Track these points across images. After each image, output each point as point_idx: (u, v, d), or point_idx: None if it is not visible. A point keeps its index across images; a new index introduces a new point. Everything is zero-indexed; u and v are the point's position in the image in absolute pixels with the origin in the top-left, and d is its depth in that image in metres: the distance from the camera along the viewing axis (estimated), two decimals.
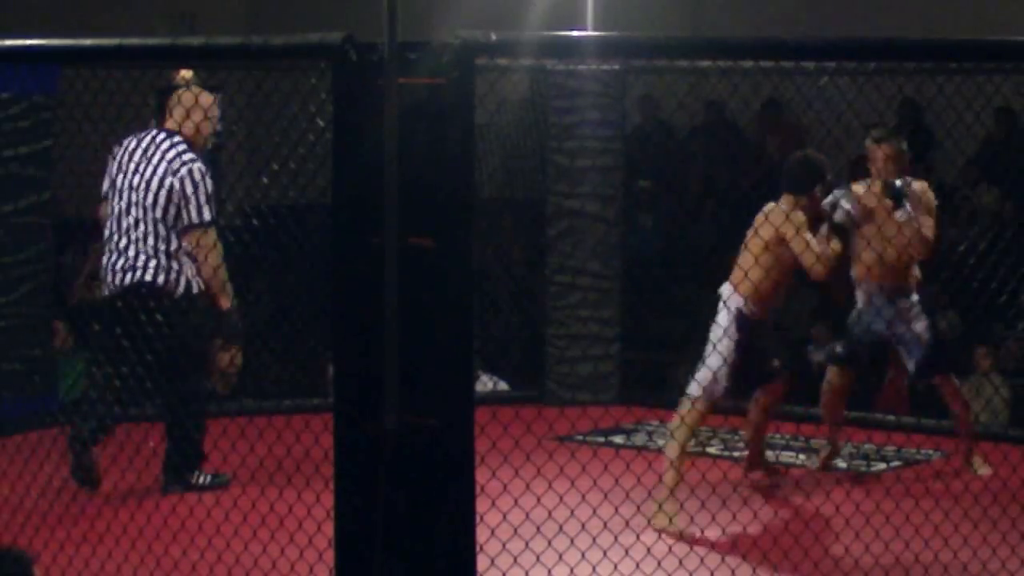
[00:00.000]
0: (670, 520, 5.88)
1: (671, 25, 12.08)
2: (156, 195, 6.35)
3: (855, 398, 7.45)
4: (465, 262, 4.11)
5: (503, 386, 8.76)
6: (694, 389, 6.15)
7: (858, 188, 6.69)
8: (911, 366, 6.75)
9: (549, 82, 8.35)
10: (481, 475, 4.24)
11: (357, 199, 4.09)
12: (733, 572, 5.30)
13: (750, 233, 6.21)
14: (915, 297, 6.71)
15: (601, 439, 7.39)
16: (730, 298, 6.19)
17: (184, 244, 6.36)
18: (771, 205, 6.24)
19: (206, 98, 6.50)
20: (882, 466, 6.96)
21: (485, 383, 8.58)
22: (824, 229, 6.44)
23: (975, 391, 8.77)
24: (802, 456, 7.13)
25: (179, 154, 6.41)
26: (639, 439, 7.46)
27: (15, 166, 7.38)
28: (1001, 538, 5.56)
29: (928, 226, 6.59)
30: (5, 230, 7.39)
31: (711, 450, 7.13)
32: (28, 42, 4.47)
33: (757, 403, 6.54)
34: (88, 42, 4.44)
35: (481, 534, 4.27)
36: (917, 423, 7.73)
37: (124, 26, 12.51)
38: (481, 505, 4.23)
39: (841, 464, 6.99)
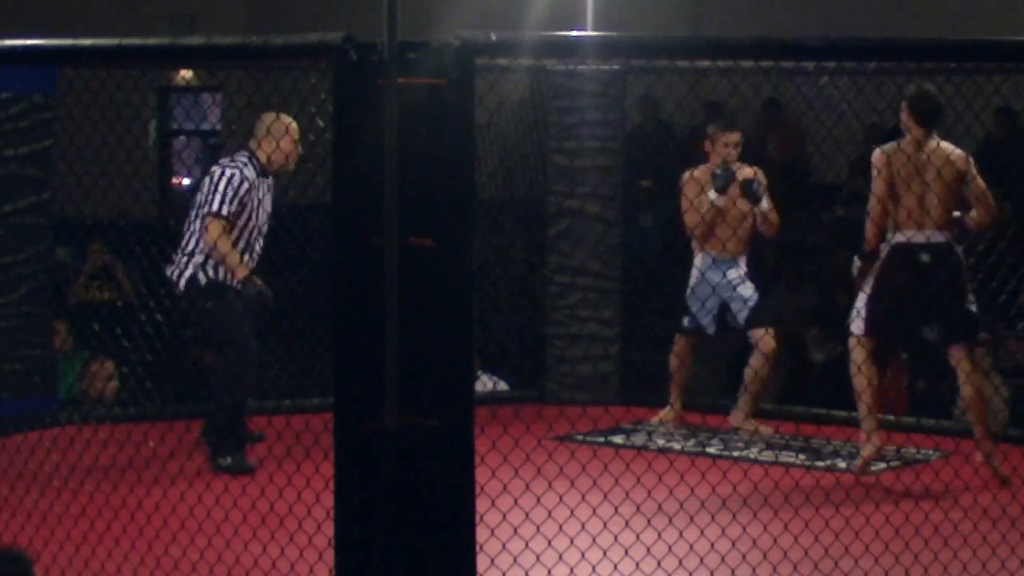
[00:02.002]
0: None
1: (671, 25, 12.08)
2: (196, 199, 6.87)
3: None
4: (465, 262, 4.11)
5: (503, 386, 8.76)
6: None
7: (696, 173, 7.53)
8: (742, 319, 7.52)
9: (549, 82, 8.35)
10: (481, 475, 4.24)
11: (357, 199, 4.09)
12: (733, 572, 5.30)
13: (941, 174, 6.48)
14: (743, 268, 7.56)
15: (601, 439, 7.39)
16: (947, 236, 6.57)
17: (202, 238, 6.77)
18: (910, 146, 6.53)
19: (278, 124, 6.82)
20: (882, 466, 6.96)
21: (485, 383, 8.58)
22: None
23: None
24: (802, 456, 7.14)
25: (227, 163, 6.84)
26: (639, 439, 7.46)
27: (15, 166, 7.38)
28: (1001, 538, 5.56)
29: (772, 206, 7.49)
30: (5, 230, 7.38)
31: (711, 450, 7.13)
32: (28, 42, 4.47)
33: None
34: (88, 42, 4.44)
35: (481, 534, 4.27)
36: (917, 423, 7.73)
37: (124, 26, 12.52)
38: (481, 505, 4.23)
39: (841, 464, 6.99)
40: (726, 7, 12.33)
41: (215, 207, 6.73)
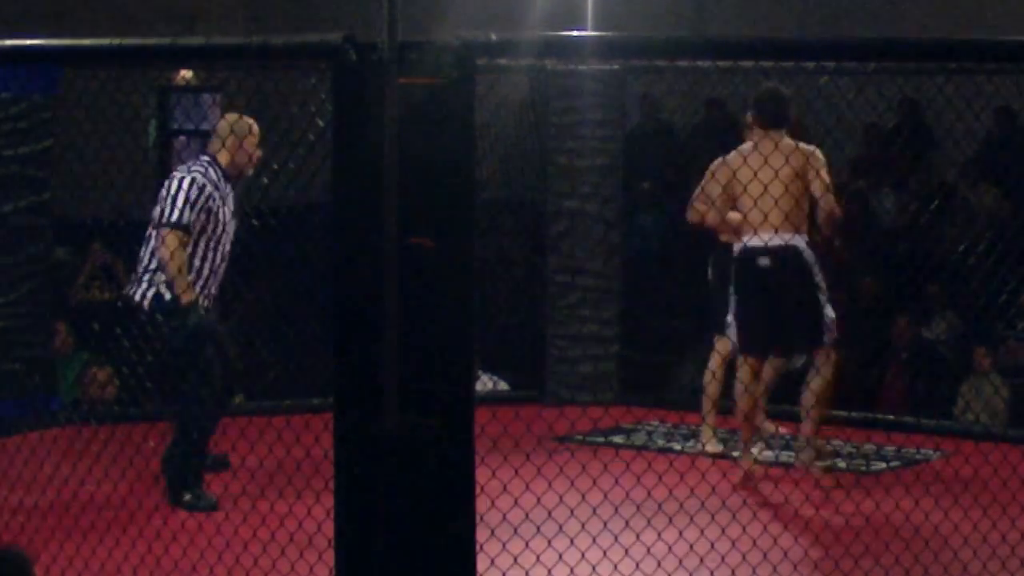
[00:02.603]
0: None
1: (671, 25, 12.08)
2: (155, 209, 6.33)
3: (854, 399, 7.46)
4: (465, 262, 4.11)
5: (503, 386, 8.76)
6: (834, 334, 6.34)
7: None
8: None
9: (549, 82, 8.35)
10: (481, 475, 4.24)
11: (357, 199, 4.09)
12: (733, 572, 5.30)
13: (778, 175, 6.10)
14: None
15: (601, 439, 7.39)
16: (798, 240, 6.25)
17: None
18: (767, 146, 6.19)
19: (240, 125, 6.41)
20: (882, 466, 6.96)
21: (485, 383, 8.58)
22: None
23: (975, 391, 8.77)
24: (802, 456, 7.13)
25: (186, 169, 6.37)
26: (639, 439, 7.46)
27: (15, 166, 7.38)
28: (1001, 538, 5.56)
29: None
30: (5, 230, 7.39)
31: (711, 450, 7.13)
32: (28, 42, 4.47)
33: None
34: (88, 42, 4.44)
35: (481, 534, 4.27)
36: (917, 423, 7.73)
37: (124, 26, 12.51)
38: (481, 505, 4.23)
39: (841, 464, 6.99)
40: (726, 7, 12.33)
41: (173, 216, 6.19)
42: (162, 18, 14.15)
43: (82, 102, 6.18)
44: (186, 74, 6.69)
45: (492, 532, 4.89)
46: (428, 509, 4.08)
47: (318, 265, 8.18)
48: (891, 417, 8.01)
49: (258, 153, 6.50)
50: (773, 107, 6.31)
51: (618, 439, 7.40)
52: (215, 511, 6.04)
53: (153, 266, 6.27)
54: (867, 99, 8.19)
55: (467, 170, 4.12)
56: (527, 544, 5.16)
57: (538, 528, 5.39)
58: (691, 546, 5.44)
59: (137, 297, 6.30)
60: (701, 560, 5.34)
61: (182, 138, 6.76)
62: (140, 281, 6.31)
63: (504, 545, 4.99)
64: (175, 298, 6.17)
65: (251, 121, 6.45)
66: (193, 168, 6.33)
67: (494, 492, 4.85)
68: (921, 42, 4.76)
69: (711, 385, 7.12)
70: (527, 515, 5.32)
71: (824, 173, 6.27)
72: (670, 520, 5.66)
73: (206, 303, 6.31)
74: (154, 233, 6.27)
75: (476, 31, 4.06)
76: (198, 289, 6.25)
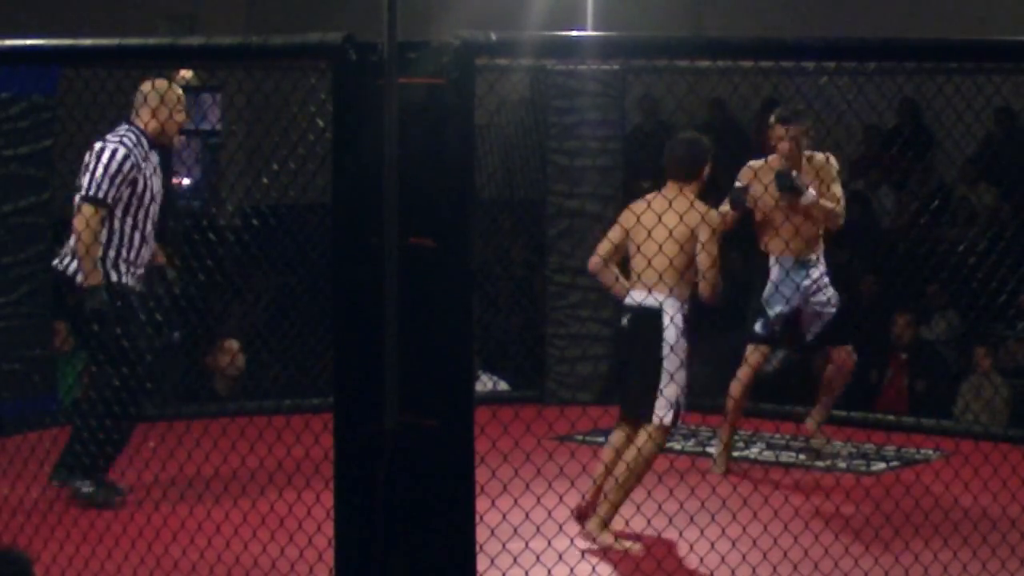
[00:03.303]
0: (615, 539, 5.71)
1: (671, 25, 12.08)
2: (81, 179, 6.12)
3: (854, 399, 7.46)
4: (465, 262, 4.11)
5: (503, 386, 8.77)
6: (664, 421, 5.78)
7: (754, 167, 6.76)
8: (810, 335, 6.90)
9: (549, 82, 8.35)
10: (481, 475, 4.24)
11: (357, 199, 4.09)
12: (733, 572, 5.30)
13: (651, 230, 5.64)
14: (819, 270, 6.84)
15: (601, 439, 7.38)
16: (672, 308, 5.75)
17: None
18: (660, 203, 5.78)
19: (170, 94, 6.18)
20: (882, 466, 6.97)
21: (485, 383, 8.58)
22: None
23: (975, 391, 8.77)
24: (802, 456, 7.14)
25: (110, 137, 6.13)
26: None
27: (15, 166, 7.38)
28: (1001, 538, 5.56)
29: (832, 199, 6.75)
30: (5, 230, 7.39)
31: (711, 450, 7.13)
32: (28, 42, 4.47)
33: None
34: (88, 42, 4.43)
35: (481, 534, 4.27)
36: (917, 423, 7.74)
37: (124, 26, 12.52)
38: (481, 505, 4.23)
39: (841, 464, 6.99)
40: (726, 7, 12.33)
41: (91, 190, 5.96)
42: (162, 18, 14.16)
43: (82, 102, 6.17)
44: (186, 74, 6.68)
45: (492, 532, 4.89)
46: (428, 509, 4.08)
47: (318, 265, 8.18)
48: (891, 417, 8.01)
49: (184, 118, 6.27)
50: (680, 157, 5.89)
51: None
52: (112, 507, 5.99)
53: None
54: (867, 99, 8.18)
55: (467, 170, 4.12)
56: (527, 544, 5.16)
57: (538, 528, 5.39)
58: (691, 546, 5.44)
59: (70, 271, 6.08)
60: (701, 560, 5.34)
61: (182, 138, 6.74)
62: (68, 255, 6.11)
63: (504, 545, 4.99)
64: (111, 282, 5.99)
65: (168, 84, 6.24)
66: (115, 139, 6.09)
67: (494, 492, 4.85)
68: (921, 42, 4.75)
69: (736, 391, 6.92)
70: (527, 515, 5.32)
71: (712, 245, 5.80)
72: (670, 520, 5.66)
73: (134, 279, 6.11)
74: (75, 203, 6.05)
75: (476, 31, 4.06)
76: (125, 265, 6.05)
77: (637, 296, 5.78)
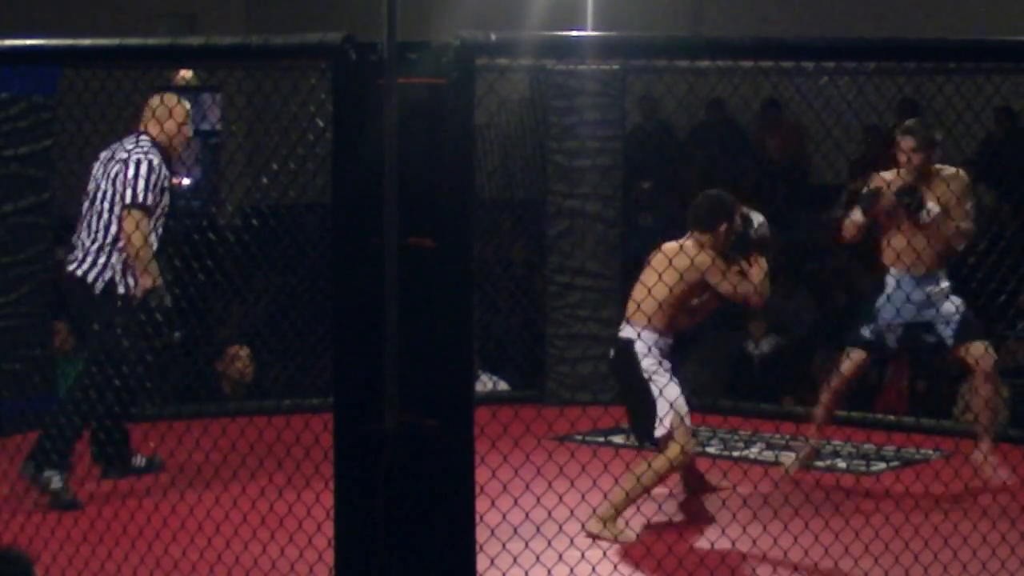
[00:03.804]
0: (615, 537, 5.79)
1: (671, 25, 12.08)
2: (104, 187, 6.39)
3: (855, 398, 7.46)
4: (465, 262, 4.11)
5: (503, 386, 8.77)
6: (673, 436, 5.90)
7: (885, 178, 6.64)
8: (949, 339, 6.71)
9: (549, 82, 8.35)
10: (481, 475, 4.24)
11: (357, 199, 4.09)
12: (733, 572, 5.30)
13: (652, 269, 5.97)
14: (944, 283, 6.69)
15: (601, 439, 7.39)
16: (643, 337, 5.96)
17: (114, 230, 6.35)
18: (673, 245, 6.06)
19: (179, 108, 6.55)
20: (882, 466, 6.97)
21: (485, 383, 8.58)
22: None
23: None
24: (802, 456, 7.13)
25: (135, 148, 6.42)
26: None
27: (15, 166, 7.38)
28: (1001, 538, 5.56)
29: (960, 216, 6.56)
30: (5, 230, 7.39)
31: (711, 450, 7.13)
32: (28, 42, 4.47)
33: None
34: (88, 42, 4.43)
35: (481, 534, 4.27)
36: (917, 423, 7.74)
37: (124, 26, 12.52)
38: (481, 505, 4.23)
39: (841, 464, 6.99)
40: (726, 7, 12.33)
41: (139, 199, 6.29)
42: (162, 18, 14.16)
43: (82, 102, 6.17)
44: (186, 74, 6.69)
45: (492, 532, 4.89)
46: (428, 509, 4.08)
47: (318, 265, 8.18)
48: (891, 417, 8.01)
49: (189, 134, 6.63)
50: (697, 211, 6.11)
51: (618, 439, 7.39)
52: (74, 509, 6.05)
53: (106, 243, 6.33)
54: (867, 99, 8.18)
55: (467, 170, 4.12)
56: (527, 544, 5.16)
57: (538, 528, 5.39)
58: (691, 546, 5.44)
59: (90, 279, 6.34)
60: (701, 560, 5.34)
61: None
62: (88, 259, 6.36)
63: (504, 545, 4.99)
64: (127, 295, 6.28)
65: (186, 103, 6.60)
66: (141, 151, 6.39)
67: (494, 492, 4.84)
68: (921, 42, 4.75)
69: (825, 394, 6.85)
70: (527, 515, 5.32)
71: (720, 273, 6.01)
72: (670, 520, 5.66)
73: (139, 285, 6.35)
74: (105, 212, 6.34)
75: (476, 31, 4.06)
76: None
77: (623, 328, 6.06)
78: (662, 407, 5.88)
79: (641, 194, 10.83)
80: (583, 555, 5.16)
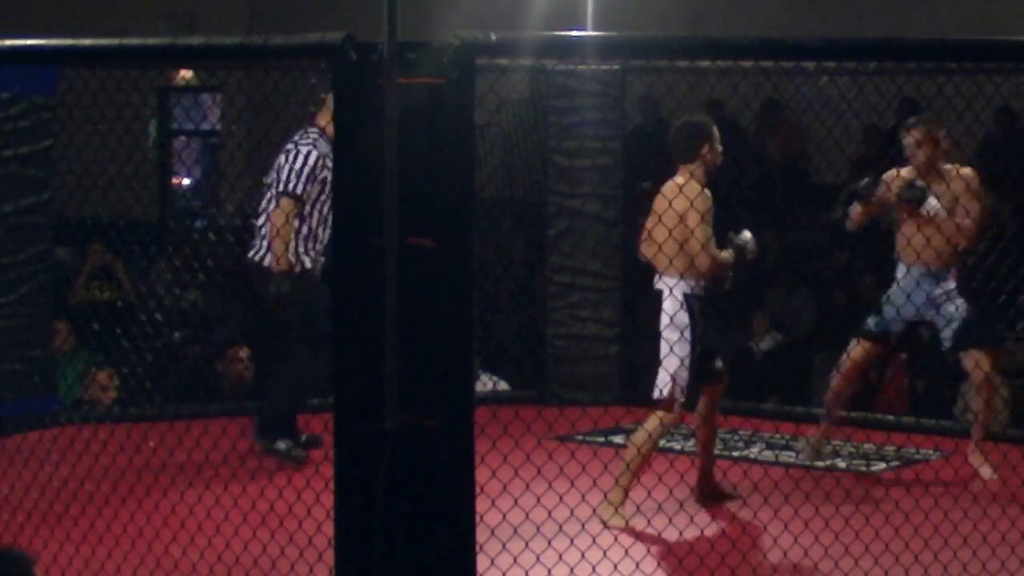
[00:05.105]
0: (627, 521, 5.89)
1: (671, 25, 12.08)
2: (272, 177, 6.81)
3: (855, 398, 7.45)
4: (465, 262, 4.11)
5: (503, 386, 8.77)
6: (665, 390, 6.02)
7: (894, 172, 6.69)
8: (947, 340, 6.74)
9: (549, 82, 8.35)
10: (481, 475, 4.24)
11: (357, 199, 4.09)
12: (733, 572, 5.30)
13: (655, 218, 6.02)
14: (951, 285, 6.70)
15: (601, 439, 7.39)
16: (674, 286, 6.03)
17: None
18: (670, 184, 6.09)
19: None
20: (882, 466, 6.97)
21: (485, 383, 8.58)
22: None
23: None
24: (802, 456, 7.13)
25: (300, 139, 6.79)
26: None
27: (15, 166, 7.38)
28: (1001, 538, 5.56)
29: (961, 214, 6.58)
30: (5, 230, 7.38)
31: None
32: (28, 42, 4.47)
33: (699, 413, 6.34)
34: (88, 42, 4.44)
35: (481, 534, 4.27)
36: (917, 423, 7.73)
37: (124, 26, 12.52)
38: (481, 505, 4.23)
39: (841, 464, 6.99)
40: (726, 7, 12.33)
41: (288, 185, 6.69)
42: (162, 18, 14.16)
43: (82, 102, 6.18)
44: (186, 74, 6.70)
45: (492, 532, 4.89)
46: (428, 509, 4.08)
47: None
48: (891, 417, 8.01)
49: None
50: (676, 141, 6.17)
51: (618, 439, 7.39)
52: (303, 465, 6.52)
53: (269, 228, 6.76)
54: (867, 99, 8.18)
55: (467, 170, 4.12)
56: (527, 544, 5.16)
57: (538, 528, 5.39)
58: (691, 546, 5.44)
59: (265, 261, 6.77)
60: (701, 560, 5.34)
61: (182, 138, 6.76)
62: (264, 245, 6.81)
63: (504, 545, 4.99)
64: (302, 271, 6.73)
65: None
66: (306, 142, 6.77)
67: (494, 492, 4.85)
68: (921, 42, 4.75)
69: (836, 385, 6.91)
70: (527, 515, 5.32)
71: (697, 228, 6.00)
72: (670, 520, 5.66)
73: (319, 267, 6.79)
74: (270, 199, 6.78)
75: (476, 31, 4.06)
76: (314, 253, 6.77)
77: (656, 279, 6.15)
78: (669, 362, 6.00)
79: (641, 194, 10.82)
80: (583, 555, 5.16)
